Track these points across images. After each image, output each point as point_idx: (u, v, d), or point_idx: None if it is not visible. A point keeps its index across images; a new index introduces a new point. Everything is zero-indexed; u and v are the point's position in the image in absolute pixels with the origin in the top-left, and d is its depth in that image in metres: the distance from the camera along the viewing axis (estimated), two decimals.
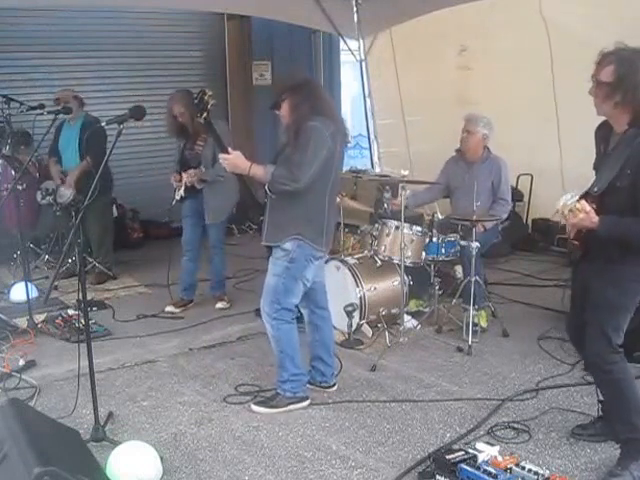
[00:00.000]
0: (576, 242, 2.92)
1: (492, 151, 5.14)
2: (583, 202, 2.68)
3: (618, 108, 2.79)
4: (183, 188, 5.22)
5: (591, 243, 2.87)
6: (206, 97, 3.64)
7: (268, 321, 3.66)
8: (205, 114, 3.67)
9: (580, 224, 2.74)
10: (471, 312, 4.57)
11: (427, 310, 5.06)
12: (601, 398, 3.27)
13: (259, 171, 3.51)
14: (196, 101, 3.68)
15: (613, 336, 2.90)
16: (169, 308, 5.47)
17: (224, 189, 5.17)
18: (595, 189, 2.85)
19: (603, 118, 2.97)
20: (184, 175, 5.18)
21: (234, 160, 3.56)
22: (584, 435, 3.32)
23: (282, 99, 3.56)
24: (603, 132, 3.00)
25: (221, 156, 3.59)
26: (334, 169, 3.58)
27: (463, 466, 2.85)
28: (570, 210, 2.67)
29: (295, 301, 3.68)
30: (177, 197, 5.30)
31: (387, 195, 5.01)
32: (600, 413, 3.33)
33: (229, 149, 3.59)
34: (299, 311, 3.89)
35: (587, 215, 2.68)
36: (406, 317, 4.81)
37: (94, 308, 5.35)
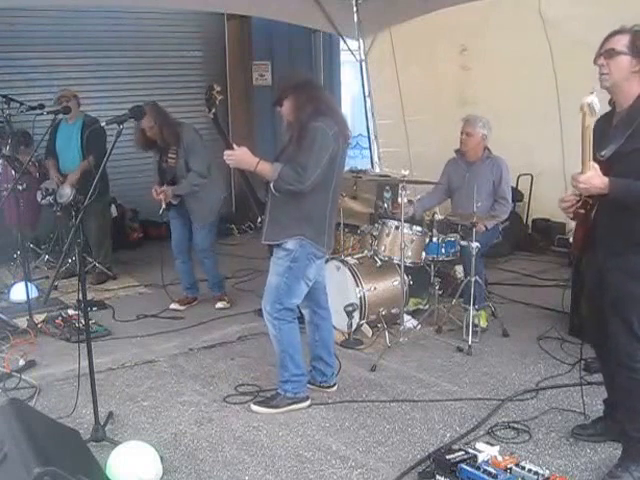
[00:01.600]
0: (582, 211, 2.83)
1: (492, 151, 5.13)
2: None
3: (631, 76, 2.72)
4: (165, 203, 5.19)
5: (596, 228, 2.82)
6: (214, 92, 3.57)
7: (270, 321, 3.65)
8: (214, 109, 3.62)
9: (590, 182, 2.67)
10: (471, 312, 4.56)
11: (426, 308, 5.06)
12: (605, 397, 3.27)
13: (266, 168, 3.48)
14: (206, 96, 3.61)
15: (639, 330, 2.81)
16: (174, 305, 5.50)
17: (205, 193, 5.18)
18: (602, 153, 2.75)
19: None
20: (164, 189, 5.13)
21: (241, 156, 3.52)
22: (584, 435, 3.31)
23: (285, 96, 3.53)
24: (601, 124, 2.88)
25: (226, 152, 3.55)
26: (336, 170, 3.57)
27: (463, 466, 2.85)
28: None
29: (297, 301, 3.67)
30: (162, 209, 5.24)
31: (387, 195, 5.02)
32: (601, 414, 3.33)
33: (234, 145, 3.55)
34: (299, 311, 3.89)
35: (596, 171, 2.65)
36: (406, 317, 4.82)
37: (94, 308, 5.36)
